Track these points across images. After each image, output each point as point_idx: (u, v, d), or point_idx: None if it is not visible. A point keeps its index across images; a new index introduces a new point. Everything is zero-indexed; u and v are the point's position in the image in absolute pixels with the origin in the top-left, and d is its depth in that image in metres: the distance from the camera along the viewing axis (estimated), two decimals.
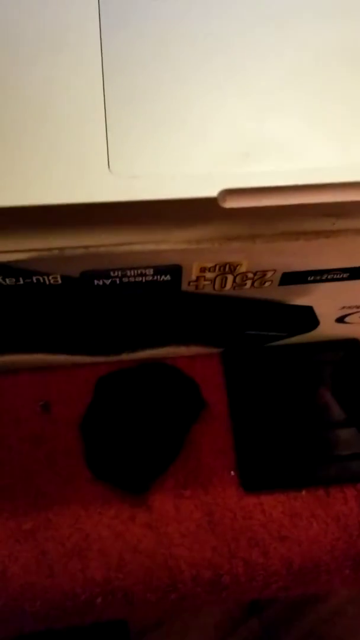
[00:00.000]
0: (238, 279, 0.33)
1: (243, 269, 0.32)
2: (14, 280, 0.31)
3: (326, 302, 0.37)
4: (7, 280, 0.31)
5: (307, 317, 0.38)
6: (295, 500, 0.37)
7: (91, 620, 0.37)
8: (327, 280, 0.34)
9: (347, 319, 0.39)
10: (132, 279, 0.32)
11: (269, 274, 0.33)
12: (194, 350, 0.42)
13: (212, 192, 0.27)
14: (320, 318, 0.39)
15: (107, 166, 0.28)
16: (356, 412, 0.40)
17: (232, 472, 0.38)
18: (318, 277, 0.34)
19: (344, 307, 0.38)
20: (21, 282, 0.31)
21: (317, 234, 0.30)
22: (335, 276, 0.34)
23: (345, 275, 0.34)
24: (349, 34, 0.32)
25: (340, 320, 0.39)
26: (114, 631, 0.77)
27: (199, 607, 0.37)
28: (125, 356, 0.41)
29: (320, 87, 0.31)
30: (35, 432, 0.39)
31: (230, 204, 0.28)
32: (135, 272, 0.31)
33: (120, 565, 0.35)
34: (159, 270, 0.31)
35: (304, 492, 0.37)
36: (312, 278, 0.34)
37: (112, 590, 0.35)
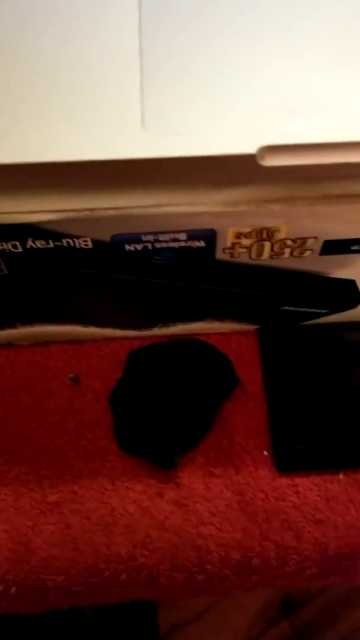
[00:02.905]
0: (276, 247, 0.31)
1: (282, 235, 0.30)
2: (43, 242, 0.30)
3: None
4: (37, 242, 0.30)
5: (349, 292, 0.36)
6: (331, 483, 0.35)
7: (115, 599, 0.36)
8: None
9: None
10: (164, 245, 0.31)
11: (310, 242, 0.31)
12: (228, 326, 0.40)
13: (250, 148, 0.26)
14: None
15: (140, 122, 0.27)
16: None
17: (265, 452, 0.36)
18: None
19: None
20: (51, 245, 0.30)
21: None
22: None
23: None
24: None
25: None
26: (142, 628, 0.77)
27: (228, 590, 0.36)
28: (157, 331, 0.40)
29: None
30: (64, 405, 0.38)
31: (270, 161, 0.26)
32: (168, 236, 0.30)
33: (146, 542, 0.34)
34: (192, 235, 0.30)
35: (341, 475, 0.36)
36: (356, 247, 0.32)
37: (136, 567, 0.34)
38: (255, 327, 0.40)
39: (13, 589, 0.34)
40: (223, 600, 0.85)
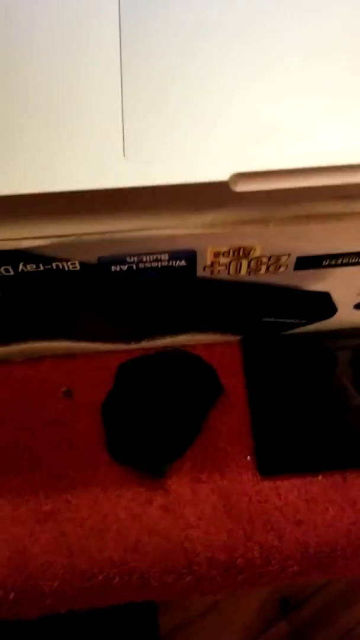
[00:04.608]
0: (252, 264, 0.33)
1: (257, 253, 0.32)
2: (34, 266, 0.32)
3: (343, 287, 0.37)
4: (28, 266, 0.32)
5: (325, 304, 0.38)
6: (311, 484, 0.37)
7: (109, 602, 0.38)
8: (342, 264, 0.34)
9: None
10: (148, 265, 0.32)
11: (284, 259, 0.33)
12: (212, 337, 0.42)
13: (223, 176, 0.28)
14: (337, 305, 0.39)
15: (122, 152, 0.29)
16: None
17: (248, 457, 0.38)
18: (333, 262, 0.34)
19: None
20: (41, 268, 0.32)
21: (329, 216, 0.30)
22: (350, 260, 0.34)
23: None
24: None
25: (358, 307, 0.39)
26: (142, 629, 0.78)
27: (216, 590, 0.38)
28: (145, 344, 0.42)
29: (332, 70, 0.31)
30: (58, 417, 0.40)
31: (242, 187, 0.28)
32: (151, 257, 0.32)
33: (137, 547, 0.36)
34: (174, 255, 0.32)
35: (320, 477, 0.37)
36: (327, 262, 0.34)
37: (128, 571, 0.36)
38: (238, 337, 0.42)
39: (12, 595, 0.36)
40: (222, 601, 0.86)
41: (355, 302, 0.39)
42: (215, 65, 0.31)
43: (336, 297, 0.38)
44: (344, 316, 0.40)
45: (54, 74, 0.31)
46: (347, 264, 0.34)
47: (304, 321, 0.41)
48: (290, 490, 0.37)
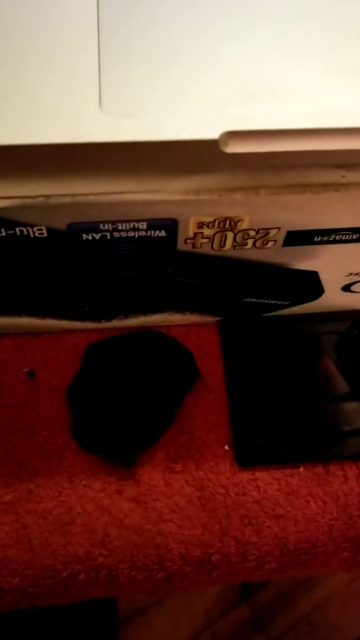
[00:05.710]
0: (239, 238, 0.31)
1: (244, 225, 0.30)
2: None
3: (333, 267, 0.34)
4: None
5: (312, 284, 0.36)
6: (292, 477, 0.35)
7: (73, 599, 0.35)
8: (334, 241, 0.32)
9: (353, 287, 0.37)
10: (123, 234, 0.29)
11: (273, 233, 0.30)
12: (189, 318, 0.39)
13: (213, 134, 0.25)
14: (325, 285, 0.36)
15: (98, 104, 0.25)
16: None
17: (226, 447, 0.36)
18: (325, 238, 0.31)
19: (351, 274, 0.35)
20: (3, 233, 0.28)
21: (325, 186, 0.28)
22: (343, 237, 0.31)
23: (354, 237, 0.31)
24: None
25: (347, 288, 0.37)
26: (102, 613, 0.76)
27: (188, 587, 0.35)
28: (117, 323, 0.39)
29: (333, 26, 0.28)
30: (19, 400, 0.37)
31: (233, 148, 0.25)
32: (127, 225, 0.29)
33: (104, 541, 0.33)
34: (153, 224, 0.29)
35: (301, 469, 0.35)
36: (318, 238, 0.31)
37: (95, 567, 0.33)
38: (217, 319, 0.40)
39: None
40: None
41: (344, 283, 0.36)
42: (207, 15, 0.28)
43: (324, 277, 0.35)
44: (331, 298, 0.38)
45: (26, 17, 0.27)
46: (340, 241, 0.32)
47: (287, 302, 0.38)
48: (269, 483, 0.35)
